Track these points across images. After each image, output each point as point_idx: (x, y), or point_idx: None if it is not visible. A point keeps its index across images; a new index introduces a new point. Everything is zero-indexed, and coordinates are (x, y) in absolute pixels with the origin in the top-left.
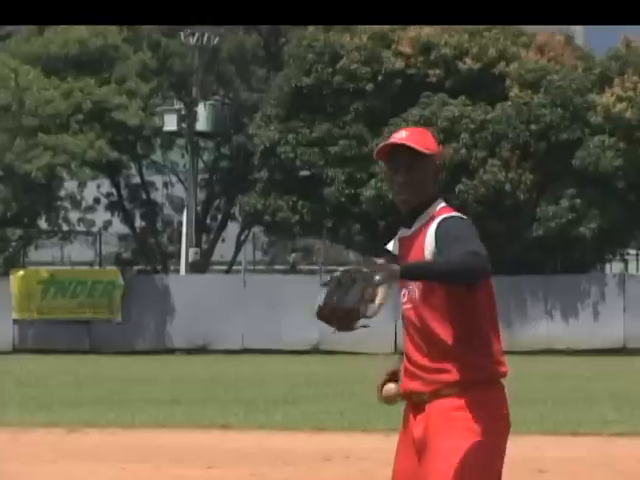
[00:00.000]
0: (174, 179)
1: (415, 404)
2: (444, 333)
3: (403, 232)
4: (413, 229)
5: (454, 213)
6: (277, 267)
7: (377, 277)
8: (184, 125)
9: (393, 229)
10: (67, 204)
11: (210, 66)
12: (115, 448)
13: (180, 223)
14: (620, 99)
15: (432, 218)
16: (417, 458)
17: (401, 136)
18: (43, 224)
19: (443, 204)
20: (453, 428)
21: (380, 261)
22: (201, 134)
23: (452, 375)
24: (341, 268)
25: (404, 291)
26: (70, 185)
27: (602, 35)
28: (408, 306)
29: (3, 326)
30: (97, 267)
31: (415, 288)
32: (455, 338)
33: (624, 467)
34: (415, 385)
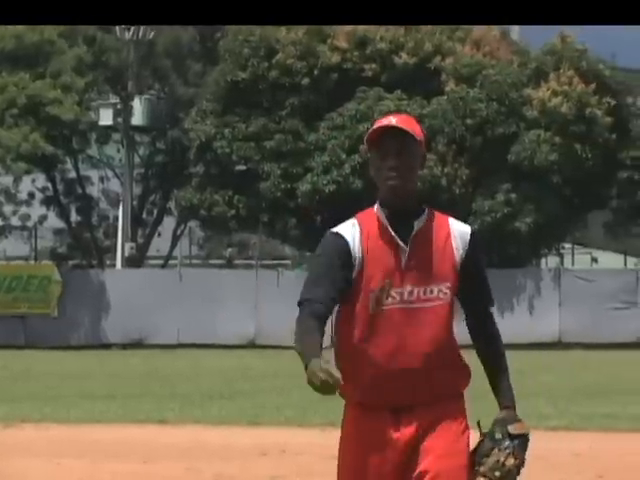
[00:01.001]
0: (110, 174)
1: (394, 410)
2: (450, 337)
3: (402, 232)
4: (417, 230)
5: (468, 226)
6: (213, 262)
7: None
8: (120, 120)
9: (330, 223)
10: (2, 198)
11: (146, 60)
12: (50, 443)
13: (116, 218)
14: (555, 93)
15: (438, 219)
16: (402, 459)
17: (391, 121)
18: None
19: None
20: (456, 433)
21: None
22: (137, 128)
23: (458, 381)
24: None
25: (402, 290)
26: (5, 180)
27: (538, 30)
28: (406, 306)
29: None
30: (32, 262)
31: (426, 289)
32: (453, 346)
33: (560, 461)
34: (412, 395)
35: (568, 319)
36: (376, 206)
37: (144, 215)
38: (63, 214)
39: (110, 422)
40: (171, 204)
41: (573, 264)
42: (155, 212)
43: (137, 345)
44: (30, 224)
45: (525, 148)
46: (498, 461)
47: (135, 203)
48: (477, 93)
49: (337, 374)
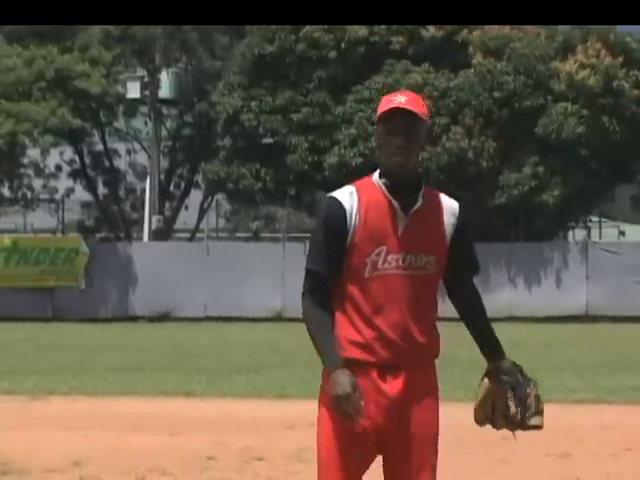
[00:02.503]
0: (137, 146)
1: (382, 369)
2: (433, 307)
3: (404, 204)
4: (419, 204)
5: (456, 201)
6: (240, 235)
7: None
8: (147, 92)
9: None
10: (30, 171)
11: (173, 33)
12: (78, 416)
13: (143, 190)
14: (583, 66)
15: (433, 194)
16: (392, 415)
17: (401, 100)
18: (5, 191)
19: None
20: (435, 400)
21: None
22: (164, 101)
23: (435, 349)
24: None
25: (398, 256)
26: (33, 152)
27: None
28: (401, 272)
29: None
30: (60, 235)
31: (417, 258)
32: (433, 316)
33: (586, 434)
34: (399, 355)
35: (595, 292)
36: (375, 176)
37: (171, 188)
38: (90, 187)
39: (137, 395)
40: (198, 177)
41: (600, 237)
42: (182, 185)
43: (164, 318)
44: (57, 197)
45: (552, 121)
46: (534, 395)
47: (162, 176)
48: (504, 66)
49: (361, 407)
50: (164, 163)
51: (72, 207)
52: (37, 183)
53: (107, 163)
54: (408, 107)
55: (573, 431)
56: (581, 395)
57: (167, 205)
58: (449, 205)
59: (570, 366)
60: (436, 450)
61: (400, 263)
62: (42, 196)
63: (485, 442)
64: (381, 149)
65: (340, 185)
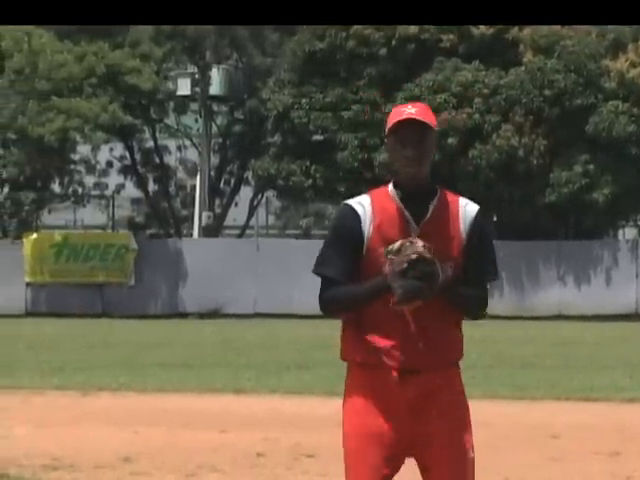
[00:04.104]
0: (187, 143)
1: (401, 373)
2: (453, 308)
3: (416, 214)
4: (431, 212)
5: (474, 204)
6: (289, 232)
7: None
8: (197, 89)
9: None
10: (80, 168)
11: (223, 30)
12: (127, 411)
13: (193, 187)
14: (634, 65)
15: (449, 201)
16: (414, 418)
17: (410, 112)
18: (56, 188)
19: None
20: (460, 400)
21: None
22: (214, 98)
23: (457, 351)
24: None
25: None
26: (83, 149)
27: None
28: None
29: (16, 290)
30: (110, 231)
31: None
32: (454, 318)
33: (636, 433)
34: (417, 359)
35: None
36: (390, 186)
37: (221, 185)
38: (141, 183)
39: (186, 391)
40: (248, 174)
41: None
42: (232, 182)
43: (214, 314)
44: (108, 193)
45: (603, 119)
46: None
47: (212, 173)
48: (555, 64)
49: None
50: (214, 160)
51: (122, 203)
52: (87, 179)
53: (157, 160)
54: (418, 117)
55: (623, 430)
56: (631, 394)
57: (217, 202)
58: (466, 211)
59: (620, 365)
60: (466, 451)
61: None
62: (92, 192)
63: (535, 439)
64: (393, 160)
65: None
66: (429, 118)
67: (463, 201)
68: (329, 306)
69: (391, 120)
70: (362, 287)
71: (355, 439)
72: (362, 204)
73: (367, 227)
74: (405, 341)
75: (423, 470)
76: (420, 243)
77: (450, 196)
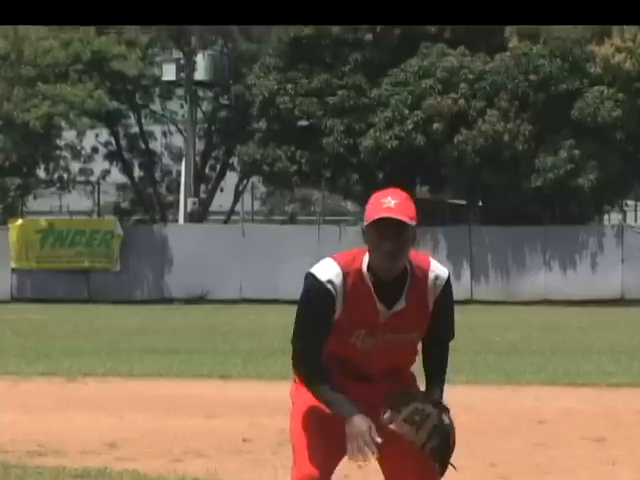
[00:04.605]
0: (173, 129)
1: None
2: (408, 358)
3: (388, 301)
4: (404, 299)
5: (444, 269)
6: (275, 217)
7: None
8: (183, 75)
9: (392, 179)
10: (66, 153)
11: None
12: (113, 397)
13: (179, 173)
14: (619, 50)
15: (420, 278)
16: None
17: (390, 206)
18: (42, 173)
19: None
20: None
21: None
22: (200, 84)
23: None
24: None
25: (376, 339)
26: (69, 135)
27: None
28: (379, 348)
29: (1, 275)
30: (95, 217)
31: (399, 336)
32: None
33: (622, 418)
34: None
35: (631, 276)
36: (364, 266)
37: (207, 170)
38: (126, 169)
39: (173, 377)
40: (234, 159)
41: (636, 221)
42: (218, 167)
43: (199, 300)
44: (93, 179)
45: (588, 104)
46: (417, 408)
47: (198, 158)
48: (540, 49)
49: (373, 444)
50: (200, 145)
51: (108, 189)
52: (73, 165)
53: (143, 145)
54: (397, 216)
55: (609, 415)
56: (617, 379)
57: (202, 188)
58: (435, 285)
59: (606, 350)
60: None
61: (378, 342)
62: (78, 178)
63: (521, 425)
64: (370, 248)
65: (375, 168)
66: (408, 213)
67: (432, 273)
68: (299, 374)
69: (370, 213)
70: (331, 399)
71: (306, 419)
72: (334, 283)
73: (339, 304)
74: (362, 368)
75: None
76: (433, 412)
77: (420, 270)
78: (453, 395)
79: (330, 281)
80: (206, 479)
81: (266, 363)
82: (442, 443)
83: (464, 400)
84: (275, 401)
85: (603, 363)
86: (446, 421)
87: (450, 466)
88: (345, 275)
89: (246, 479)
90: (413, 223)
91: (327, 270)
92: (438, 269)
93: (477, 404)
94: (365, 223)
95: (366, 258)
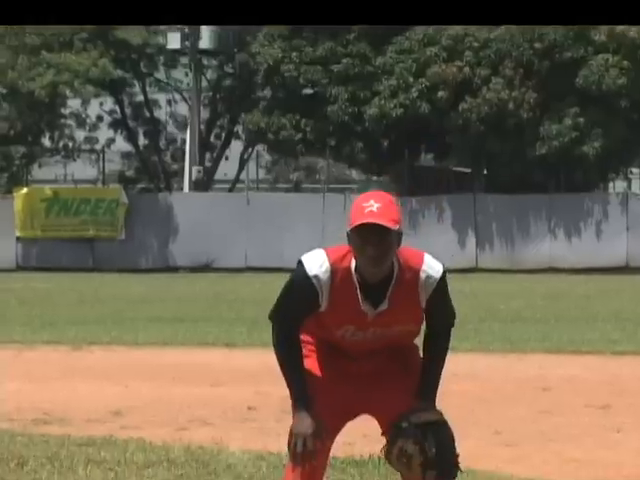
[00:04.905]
0: (177, 97)
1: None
2: (411, 339)
3: (374, 301)
4: (388, 299)
5: (437, 268)
6: (280, 186)
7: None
8: (187, 43)
9: (397, 147)
10: (71, 122)
11: None
12: (118, 366)
13: (183, 141)
14: None
15: (407, 278)
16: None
17: (372, 210)
18: (47, 142)
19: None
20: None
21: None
22: (204, 52)
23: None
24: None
25: (366, 333)
26: (73, 103)
27: None
28: (369, 341)
29: (7, 244)
30: (100, 185)
31: (389, 329)
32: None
33: (627, 385)
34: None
35: (635, 243)
36: (352, 265)
37: (211, 139)
38: (131, 137)
39: (178, 345)
40: (238, 128)
41: None
42: (222, 136)
43: (205, 269)
44: (98, 147)
45: (593, 72)
46: (401, 448)
47: (202, 127)
48: None
49: (314, 451)
50: (204, 114)
51: (113, 158)
52: (78, 134)
53: (148, 114)
54: (379, 222)
55: (614, 382)
56: (622, 347)
57: (207, 156)
58: (427, 284)
59: (611, 318)
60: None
61: (368, 336)
62: (83, 147)
63: (526, 392)
64: (355, 251)
65: (379, 136)
66: (390, 216)
67: (424, 273)
68: (274, 343)
69: (353, 218)
70: (294, 379)
71: (311, 382)
72: (319, 279)
73: (324, 302)
74: (352, 353)
75: (376, 413)
76: (414, 450)
77: (410, 270)
78: (458, 363)
79: (316, 276)
80: (211, 447)
81: (271, 331)
82: (440, 456)
83: (469, 368)
84: (279, 369)
85: (608, 331)
86: (431, 448)
87: (457, 470)
88: (333, 272)
89: (251, 447)
90: (397, 227)
91: (316, 264)
92: (430, 268)
93: (482, 372)
94: (348, 228)
95: (355, 264)
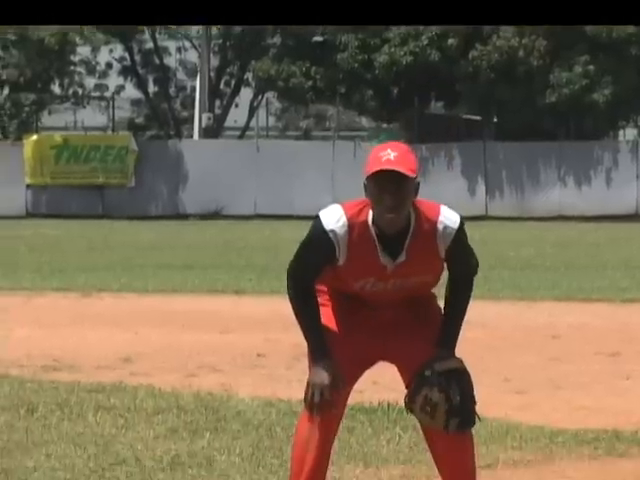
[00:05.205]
0: (187, 44)
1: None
2: (429, 289)
3: (391, 252)
4: (406, 251)
5: (454, 219)
6: (290, 133)
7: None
8: None
9: (406, 95)
10: (80, 69)
11: None
12: (128, 313)
13: (193, 88)
14: None
15: (425, 229)
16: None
17: (389, 158)
18: (56, 89)
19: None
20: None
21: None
22: None
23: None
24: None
25: (386, 284)
26: (83, 50)
27: None
28: (389, 291)
29: (16, 191)
30: (110, 132)
31: (408, 280)
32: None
33: (637, 333)
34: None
35: None
36: (370, 218)
37: (221, 86)
38: (140, 85)
39: (187, 292)
40: (248, 75)
41: None
42: (232, 83)
43: (214, 216)
44: (108, 95)
45: None
46: (426, 396)
47: (212, 74)
48: None
49: (332, 400)
50: (214, 61)
51: (122, 105)
52: (87, 81)
53: (157, 61)
54: (397, 168)
55: (623, 330)
56: (631, 294)
57: (217, 103)
58: (445, 234)
59: (621, 265)
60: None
61: (389, 287)
62: (92, 94)
63: (535, 340)
64: (372, 202)
65: (389, 84)
66: (408, 165)
67: (441, 224)
68: (290, 297)
69: (370, 166)
70: (310, 333)
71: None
72: (336, 233)
73: (341, 256)
74: (372, 303)
75: (395, 361)
76: (440, 398)
77: (427, 222)
78: (467, 311)
79: (333, 231)
80: (221, 394)
81: (280, 278)
82: (463, 404)
83: (478, 316)
84: (289, 316)
85: (617, 278)
86: (455, 395)
87: (476, 417)
88: (350, 226)
89: (260, 393)
90: (413, 175)
91: (333, 219)
92: (447, 219)
93: (491, 319)
94: (365, 177)
95: (372, 211)
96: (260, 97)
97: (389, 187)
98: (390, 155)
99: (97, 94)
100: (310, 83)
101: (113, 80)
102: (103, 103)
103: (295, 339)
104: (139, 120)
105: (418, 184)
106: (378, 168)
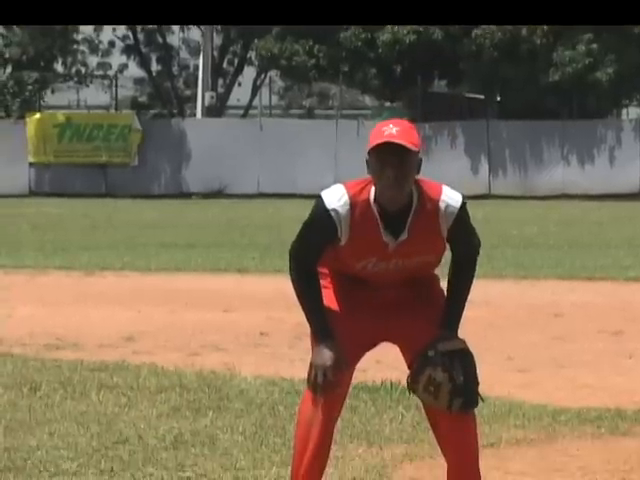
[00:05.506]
0: None
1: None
2: (431, 270)
3: (393, 231)
4: (408, 229)
5: (456, 198)
6: (293, 112)
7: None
8: None
9: (409, 74)
10: (83, 48)
11: None
12: (131, 291)
13: (196, 67)
14: None
15: (427, 208)
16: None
17: (392, 132)
18: (59, 67)
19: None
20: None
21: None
22: None
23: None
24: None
25: (388, 264)
26: (86, 29)
27: None
28: (391, 271)
29: (19, 170)
30: (113, 111)
31: (410, 260)
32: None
33: (639, 311)
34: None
35: None
36: (371, 196)
37: (224, 65)
38: (143, 63)
39: (190, 271)
40: (251, 54)
41: None
42: (235, 62)
43: (217, 195)
44: (111, 73)
45: None
46: (429, 376)
47: (215, 53)
48: None
49: (335, 381)
50: (217, 40)
51: (125, 83)
52: (91, 59)
53: (160, 40)
54: (399, 141)
55: (626, 308)
56: (635, 272)
57: (220, 82)
58: (447, 213)
59: (624, 244)
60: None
61: (391, 267)
62: (95, 72)
63: (539, 318)
64: (374, 178)
65: (392, 62)
66: (410, 139)
67: (443, 203)
68: (292, 278)
69: (372, 140)
70: (313, 314)
71: (332, 311)
72: (338, 212)
73: (344, 236)
74: (374, 284)
75: (398, 341)
76: (444, 378)
77: (430, 200)
78: (471, 289)
79: (335, 210)
80: (223, 372)
81: (283, 257)
82: (466, 384)
83: (482, 294)
84: (292, 295)
85: (621, 257)
86: (459, 376)
87: (479, 398)
88: (352, 205)
89: (263, 372)
90: (416, 149)
91: (335, 198)
92: (450, 198)
93: (495, 298)
94: (367, 151)
95: (374, 189)
96: (263, 76)
97: (391, 160)
98: (392, 130)
99: (100, 73)
100: (313, 62)
101: (116, 59)
102: (106, 82)
103: (298, 318)
104: (142, 99)
105: (420, 160)
106: (380, 141)
